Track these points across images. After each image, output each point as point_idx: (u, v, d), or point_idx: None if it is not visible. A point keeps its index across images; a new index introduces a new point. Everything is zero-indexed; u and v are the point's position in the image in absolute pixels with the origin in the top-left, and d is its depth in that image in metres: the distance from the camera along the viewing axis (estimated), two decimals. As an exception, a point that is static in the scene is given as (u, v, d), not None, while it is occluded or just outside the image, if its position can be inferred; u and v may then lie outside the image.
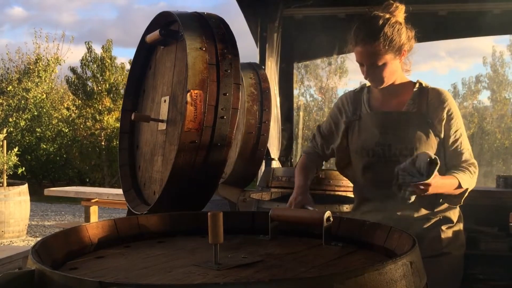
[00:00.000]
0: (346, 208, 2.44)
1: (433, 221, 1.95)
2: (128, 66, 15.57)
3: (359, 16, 2.01)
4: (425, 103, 1.98)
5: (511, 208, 2.94)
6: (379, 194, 1.96)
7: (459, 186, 1.88)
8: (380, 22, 1.91)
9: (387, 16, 1.93)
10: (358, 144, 2.03)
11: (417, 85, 2.02)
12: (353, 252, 1.24)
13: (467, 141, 2.01)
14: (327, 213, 1.30)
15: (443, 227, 1.95)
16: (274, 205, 2.44)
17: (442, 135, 1.95)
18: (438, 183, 1.78)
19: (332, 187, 2.87)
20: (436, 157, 1.72)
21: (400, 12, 1.97)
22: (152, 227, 1.44)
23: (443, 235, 1.95)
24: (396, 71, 1.98)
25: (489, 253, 3.48)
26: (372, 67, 1.92)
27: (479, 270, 3.53)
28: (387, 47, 1.90)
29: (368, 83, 2.10)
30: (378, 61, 1.91)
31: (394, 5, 1.96)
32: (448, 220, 1.98)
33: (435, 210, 1.96)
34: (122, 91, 14.90)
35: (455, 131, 1.96)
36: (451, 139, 1.95)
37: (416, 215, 1.94)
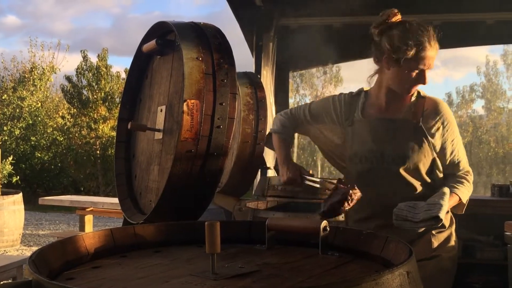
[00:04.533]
0: (342, 217, 2.44)
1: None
2: (123, 75, 15.59)
3: (404, 21, 1.97)
4: (420, 113, 1.98)
5: (506, 217, 2.95)
6: (371, 202, 1.97)
7: (460, 200, 1.94)
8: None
9: None
10: (351, 150, 2.03)
11: (415, 94, 2.02)
12: (349, 262, 1.24)
13: (463, 149, 2.03)
14: (324, 223, 1.30)
15: (434, 232, 1.97)
16: (270, 214, 2.44)
17: (438, 146, 1.96)
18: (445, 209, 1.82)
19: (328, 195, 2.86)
20: (442, 218, 1.77)
21: None
22: (149, 237, 1.44)
23: (433, 239, 1.97)
24: None
25: (485, 262, 3.49)
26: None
27: (475, 278, 3.54)
28: None
29: (366, 88, 2.10)
30: None
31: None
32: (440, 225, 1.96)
33: None
34: (117, 100, 14.90)
35: (452, 141, 1.97)
36: (448, 150, 1.97)
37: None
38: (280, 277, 1.11)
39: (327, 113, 2.12)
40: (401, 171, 1.93)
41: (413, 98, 2.01)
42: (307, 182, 2.02)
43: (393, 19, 1.93)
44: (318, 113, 2.15)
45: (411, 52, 1.87)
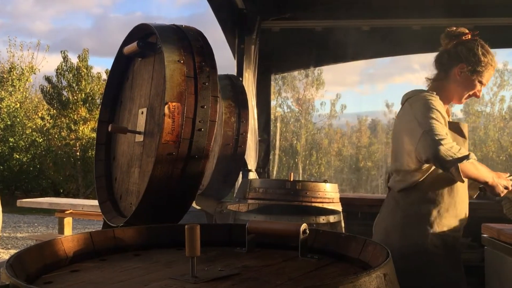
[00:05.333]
0: (323, 219, 2.46)
1: None
2: (104, 76, 15.48)
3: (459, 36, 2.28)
4: None
5: (484, 219, 3.00)
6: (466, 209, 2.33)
7: None
8: None
9: None
10: None
11: None
12: (328, 264, 1.25)
13: None
14: (304, 226, 1.31)
15: None
16: (251, 217, 2.44)
17: None
18: None
19: (309, 198, 2.88)
20: None
21: None
22: (129, 240, 1.43)
23: None
24: None
25: (462, 263, 3.54)
26: None
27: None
28: None
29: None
30: None
31: None
32: None
33: None
34: (98, 101, 14.79)
35: None
36: None
37: None
38: (259, 280, 1.11)
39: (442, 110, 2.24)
40: None
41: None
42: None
43: (468, 37, 2.25)
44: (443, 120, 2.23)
45: (488, 67, 2.19)
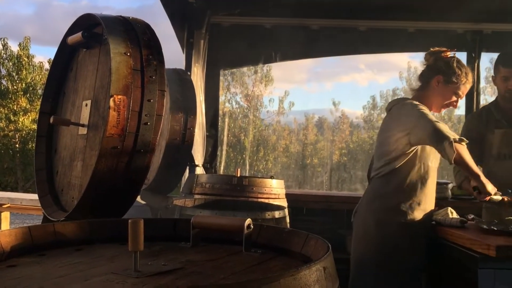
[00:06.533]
0: (268, 215, 2.49)
1: None
2: (47, 66, 14.95)
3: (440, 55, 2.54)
4: None
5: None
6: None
7: None
8: None
9: None
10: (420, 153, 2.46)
11: None
12: (272, 259, 1.27)
13: None
14: (248, 221, 1.33)
15: None
16: (197, 212, 2.45)
17: None
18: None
19: (255, 194, 2.91)
20: None
21: None
22: (70, 235, 1.40)
23: None
24: None
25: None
26: None
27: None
28: None
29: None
30: None
31: None
32: None
33: None
34: (40, 91, 14.29)
35: None
36: None
37: None
38: (202, 274, 1.12)
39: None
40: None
41: None
42: (495, 197, 2.38)
43: (447, 54, 2.53)
44: None
45: (462, 79, 2.46)
